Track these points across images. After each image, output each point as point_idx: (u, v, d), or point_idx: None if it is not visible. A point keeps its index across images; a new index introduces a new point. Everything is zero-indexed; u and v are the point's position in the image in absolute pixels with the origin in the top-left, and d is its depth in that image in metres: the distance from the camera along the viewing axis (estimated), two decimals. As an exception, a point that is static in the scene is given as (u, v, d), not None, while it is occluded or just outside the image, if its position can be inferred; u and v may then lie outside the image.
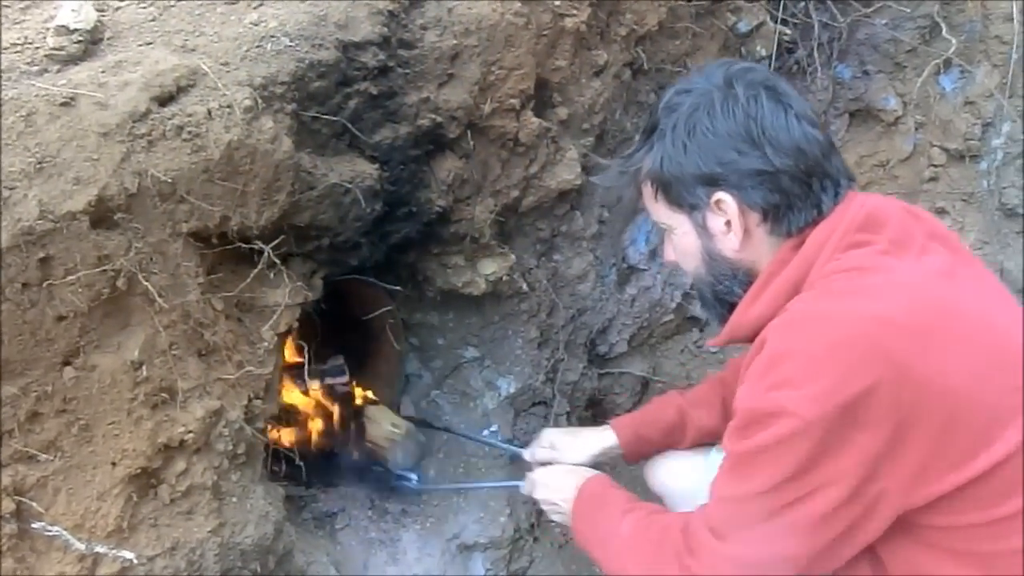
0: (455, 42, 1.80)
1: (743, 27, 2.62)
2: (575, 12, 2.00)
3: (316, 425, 2.23)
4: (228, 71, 1.46)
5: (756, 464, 1.17)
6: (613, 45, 2.18)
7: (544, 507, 1.68)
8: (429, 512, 2.22)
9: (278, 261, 1.52)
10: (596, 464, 1.76)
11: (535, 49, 1.94)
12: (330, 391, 2.25)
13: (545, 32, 1.95)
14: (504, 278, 2.16)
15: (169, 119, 1.36)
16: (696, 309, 2.88)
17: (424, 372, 2.50)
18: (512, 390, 2.40)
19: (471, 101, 1.86)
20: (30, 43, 1.43)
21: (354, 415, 2.24)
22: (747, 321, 1.29)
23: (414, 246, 2.04)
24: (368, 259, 1.86)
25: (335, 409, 2.24)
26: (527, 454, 1.90)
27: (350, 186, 1.66)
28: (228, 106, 1.41)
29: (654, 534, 1.33)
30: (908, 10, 2.94)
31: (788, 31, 2.70)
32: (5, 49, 1.40)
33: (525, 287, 2.26)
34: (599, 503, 1.50)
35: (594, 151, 2.27)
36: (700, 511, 1.28)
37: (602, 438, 1.79)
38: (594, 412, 2.73)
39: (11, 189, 1.19)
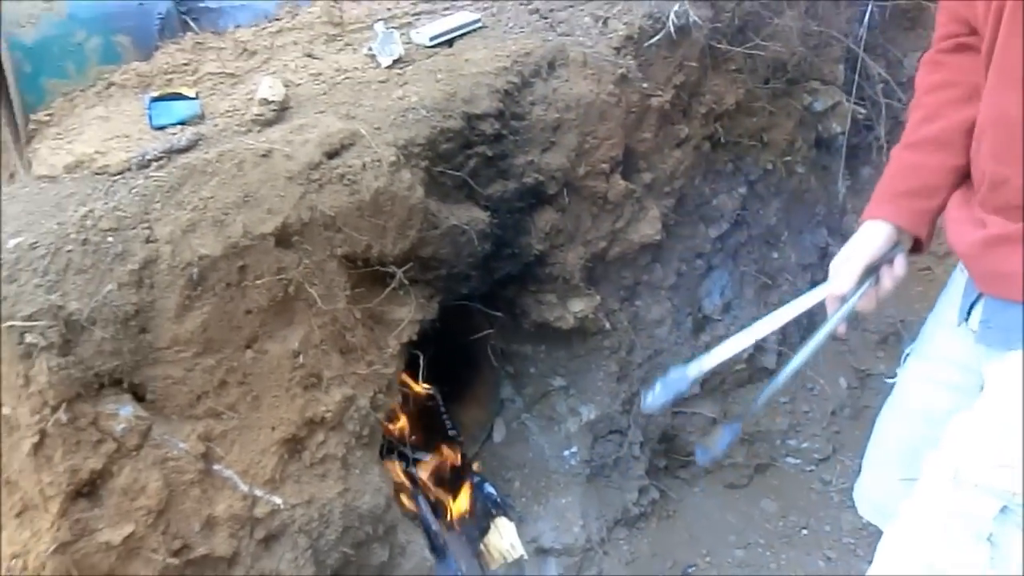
0: (557, 115, 2.20)
1: (818, 106, 2.94)
2: (660, 93, 2.38)
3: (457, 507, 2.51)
4: (379, 134, 1.89)
5: None
6: (694, 121, 2.54)
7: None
8: (512, 516, 2.55)
9: (407, 282, 1.93)
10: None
11: (625, 123, 2.32)
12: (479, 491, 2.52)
13: (634, 109, 2.33)
14: (590, 316, 2.51)
15: (335, 169, 1.80)
16: (767, 360, 3.14)
17: (516, 397, 2.85)
18: (592, 417, 2.72)
19: (568, 164, 2.25)
20: (237, 110, 1.90)
21: (484, 515, 2.46)
22: None
23: (514, 282, 2.42)
24: (476, 289, 2.25)
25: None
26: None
27: (466, 228, 2.06)
28: (378, 161, 1.84)
29: None
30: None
31: (863, 110, 2.99)
32: (221, 114, 1.88)
33: (608, 326, 2.60)
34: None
35: (674, 212, 2.61)
36: None
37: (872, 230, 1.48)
38: (667, 447, 3.01)
39: (225, 215, 1.64)
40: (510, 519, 2.48)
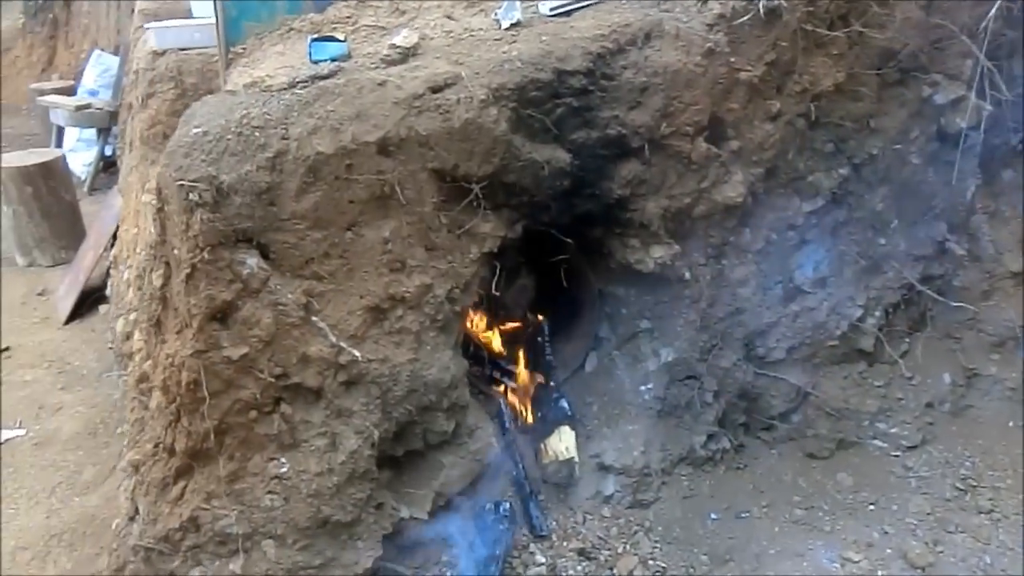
0: (645, 79, 2.53)
1: (939, 99, 3.00)
2: (750, 68, 2.62)
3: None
4: (477, 78, 2.33)
5: None
6: (788, 98, 2.74)
7: None
8: (576, 428, 2.91)
9: (481, 196, 2.35)
10: None
11: (711, 92, 2.60)
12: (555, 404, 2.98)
13: (721, 81, 2.60)
14: (668, 263, 2.80)
15: (434, 100, 2.26)
16: (864, 342, 3.24)
17: (612, 336, 3.19)
18: (670, 359, 2.98)
19: (652, 123, 2.56)
20: (376, 53, 2.42)
21: (553, 423, 2.90)
22: None
23: (600, 223, 2.77)
24: (556, 219, 2.63)
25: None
26: None
27: (545, 164, 2.45)
28: (470, 98, 2.29)
29: None
30: None
31: (989, 107, 2.97)
32: (364, 55, 2.41)
33: (688, 276, 2.86)
34: None
35: (763, 181, 2.83)
36: None
37: None
38: (748, 406, 3.20)
39: (340, 124, 2.16)
40: (573, 429, 2.85)
